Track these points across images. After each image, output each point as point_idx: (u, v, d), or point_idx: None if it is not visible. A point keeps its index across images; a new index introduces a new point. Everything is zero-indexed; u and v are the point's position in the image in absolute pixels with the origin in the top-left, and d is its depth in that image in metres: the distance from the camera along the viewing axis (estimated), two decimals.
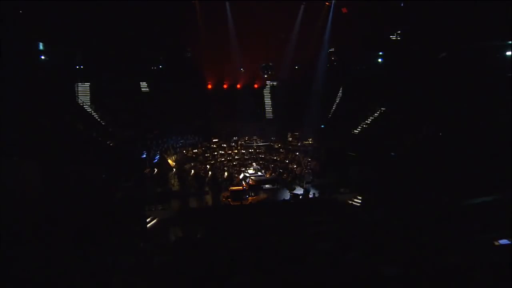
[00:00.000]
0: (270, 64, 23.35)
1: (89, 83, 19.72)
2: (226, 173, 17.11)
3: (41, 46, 17.69)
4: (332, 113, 23.05)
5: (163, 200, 13.47)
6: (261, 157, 19.83)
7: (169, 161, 17.55)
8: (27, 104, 13.32)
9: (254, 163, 18.61)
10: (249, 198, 14.61)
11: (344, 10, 20.65)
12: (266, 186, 16.10)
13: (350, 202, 14.32)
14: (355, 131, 20.30)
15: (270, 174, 17.51)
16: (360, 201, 14.03)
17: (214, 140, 20.39)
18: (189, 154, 19.06)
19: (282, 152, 20.19)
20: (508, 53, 14.50)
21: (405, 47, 19.15)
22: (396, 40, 20.03)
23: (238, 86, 24.12)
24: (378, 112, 20.00)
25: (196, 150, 19.38)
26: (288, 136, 21.99)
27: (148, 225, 12.01)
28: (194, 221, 12.13)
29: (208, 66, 22.24)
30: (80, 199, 10.41)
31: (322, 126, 22.34)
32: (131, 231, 10.44)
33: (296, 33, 22.13)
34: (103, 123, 18.53)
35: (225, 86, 23.97)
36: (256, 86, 24.60)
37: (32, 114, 13.45)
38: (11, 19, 14.20)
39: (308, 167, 17.58)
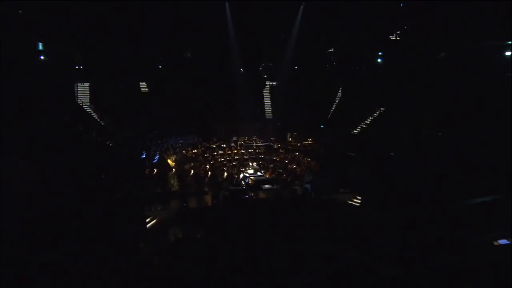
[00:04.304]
0: (270, 64, 23.38)
1: (88, 83, 19.72)
2: (225, 173, 17.10)
3: (40, 46, 17.69)
4: (332, 113, 23.05)
5: (163, 200, 13.45)
6: (261, 157, 19.82)
7: (169, 161, 17.53)
8: (27, 104, 13.31)
9: (254, 163, 18.61)
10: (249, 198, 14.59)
11: None
12: (266, 186, 16.07)
13: (350, 202, 14.31)
14: (354, 131, 20.30)
15: (270, 174, 17.49)
16: (360, 201, 14.02)
17: (213, 140, 20.40)
18: (188, 154, 19.05)
19: (281, 152, 20.19)
20: (508, 53, 14.50)
21: (405, 47, 19.17)
22: (396, 40, 20.04)
23: None
24: (377, 112, 20.01)
25: (195, 150, 19.36)
26: (288, 136, 21.98)
27: (148, 225, 12.00)
28: (194, 221, 12.12)
29: (207, 66, 22.26)
30: (80, 199, 10.40)
31: (322, 126, 22.35)
32: (131, 231, 10.42)
33: (296, 33, 22.15)
34: (102, 123, 18.53)
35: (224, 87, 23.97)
36: None
37: (32, 114, 13.44)
38: (11, 19, 14.19)
39: (308, 167, 17.57)
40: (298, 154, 19.49)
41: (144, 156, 16.64)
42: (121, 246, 8.52)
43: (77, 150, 13.68)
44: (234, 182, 15.95)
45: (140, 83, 21.96)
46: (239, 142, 20.74)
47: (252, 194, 14.98)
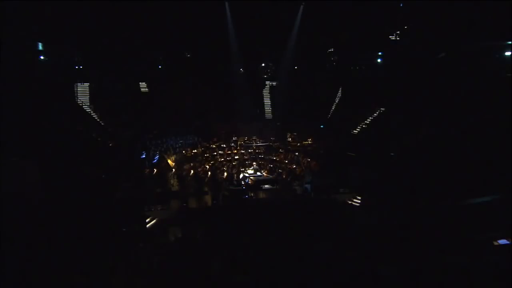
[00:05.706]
0: (270, 64, 23.38)
1: (88, 83, 19.71)
2: (225, 173, 17.11)
3: (40, 46, 17.69)
4: (331, 113, 23.04)
5: (163, 200, 13.46)
6: (261, 157, 19.83)
7: (169, 161, 17.54)
8: (27, 104, 13.32)
9: (254, 163, 18.63)
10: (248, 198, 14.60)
11: None
12: (266, 186, 16.09)
13: (350, 202, 14.32)
14: (354, 131, 20.30)
15: (267, 174, 17.53)
16: (359, 201, 14.02)
17: (213, 140, 20.40)
18: (188, 154, 19.06)
19: (281, 152, 20.19)
20: (508, 53, 14.49)
21: (405, 47, 19.16)
22: (396, 40, 20.03)
23: None
24: (377, 112, 20.00)
25: (195, 150, 19.36)
26: (288, 136, 21.98)
27: (148, 225, 12.00)
28: (194, 221, 12.13)
29: (207, 67, 22.26)
30: (79, 199, 10.40)
31: (322, 126, 22.34)
32: (131, 231, 10.43)
33: (296, 33, 22.15)
34: (102, 123, 18.53)
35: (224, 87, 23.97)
36: None
37: (32, 114, 13.44)
38: (11, 19, 14.19)
39: (308, 167, 17.57)
40: (298, 154, 19.48)
41: (144, 156, 16.64)
42: (121, 246, 8.53)
43: (77, 150, 13.68)
44: (234, 182, 15.97)
45: (140, 83, 21.96)
46: (239, 142, 20.75)
47: (252, 194, 15.00)
